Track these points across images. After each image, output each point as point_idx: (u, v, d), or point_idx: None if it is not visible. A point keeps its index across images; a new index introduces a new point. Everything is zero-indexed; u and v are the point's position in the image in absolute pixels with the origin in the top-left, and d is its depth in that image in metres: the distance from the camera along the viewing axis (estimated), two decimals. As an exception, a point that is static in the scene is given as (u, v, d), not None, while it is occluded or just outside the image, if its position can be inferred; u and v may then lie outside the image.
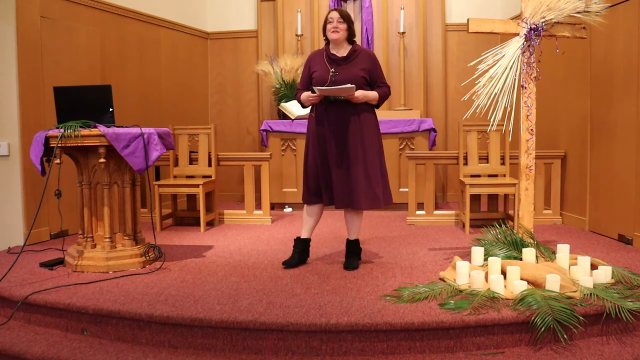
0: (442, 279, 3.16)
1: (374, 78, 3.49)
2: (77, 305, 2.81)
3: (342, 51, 3.48)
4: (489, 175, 4.91)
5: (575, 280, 2.93)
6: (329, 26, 3.44)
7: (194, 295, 2.93)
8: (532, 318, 2.54)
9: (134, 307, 2.74)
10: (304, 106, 3.60)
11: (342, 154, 3.41)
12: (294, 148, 5.89)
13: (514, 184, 4.50)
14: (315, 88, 3.35)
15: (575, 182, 4.81)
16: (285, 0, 6.55)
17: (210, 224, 5.16)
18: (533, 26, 3.38)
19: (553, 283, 2.79)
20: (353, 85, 3.28)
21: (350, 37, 3.50)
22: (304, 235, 3.63)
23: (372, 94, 3.45)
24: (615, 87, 4.15)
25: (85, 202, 3.57)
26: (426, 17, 6.41)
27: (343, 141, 3.41)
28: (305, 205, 3.61)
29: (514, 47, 3.40)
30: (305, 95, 3.48)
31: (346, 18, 3.45)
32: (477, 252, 3.35)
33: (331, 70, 3.41)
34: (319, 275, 3.34)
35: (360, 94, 3.36)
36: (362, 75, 3.42)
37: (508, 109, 3.35)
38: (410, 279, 3.19)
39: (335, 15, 3.44)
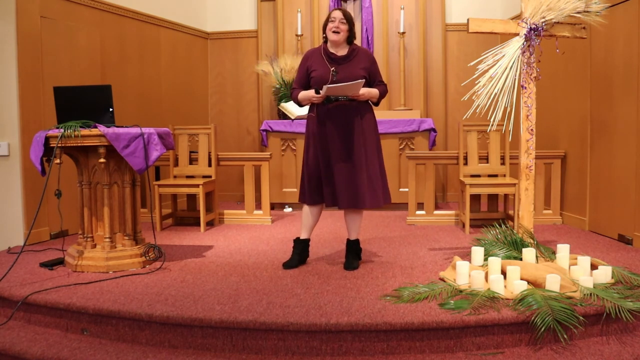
0: (442, 279, 3.16)
1: (372, 77, 3.49)
2: (77, 305, 2.81)
3: (342, 51, 3.47)
4: (489, 175, 4.91)
5: (575, 280, 2.93)
6: (330, 25, 3.41)
7: (194, 295, 2.93)
8: (532, 318, 2.54)
9: (134, 307, 2.74)
10: (300, 105, 3.56)
11: (345, 153, 3.40)
12: (294, 148, 5.89)
13: (514, 184, 4.50)
14: (325, 86, 3.26)
15: (575, 182, 4.80)
16: (285, 0, 6.55)
17: (210, 224, 5.16)
18: (533, 26, 3.38)
19: (553, 283, 2.79)
20: (362, 80, 3.28)
21: (350, 39, 3.48)
22: (303, 236, 3.63)
23: (374, 92, 3.46)
24: (615, 87, 4.15)
25: (85, 202, 3.57)
26: (426, 17, 6.41)
27: (346, 141, 3.40)
28: (304, 205, 3.61)
29: (514, 47, 3.40)
30: (306, 94, 3.43)
31: (349, 19, 3.43)
32: (477, 252, 3.35)
33: (332, 69, 3.41)
34: (319, 275, 3.34)
35: (365, 91, 3.37)
36: (363, 75, 3.41)
37: (508, 109, 3.35)
38: (410, 279, 3.19)
39: (338, 15, 3.40)
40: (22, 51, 4.26)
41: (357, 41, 6.35)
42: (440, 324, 2.53)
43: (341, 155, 3.40)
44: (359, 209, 3.53)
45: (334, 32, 3.40)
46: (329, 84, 3.32)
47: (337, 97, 3.37)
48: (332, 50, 3.47)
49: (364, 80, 3.29)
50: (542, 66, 3.55)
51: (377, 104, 3.56)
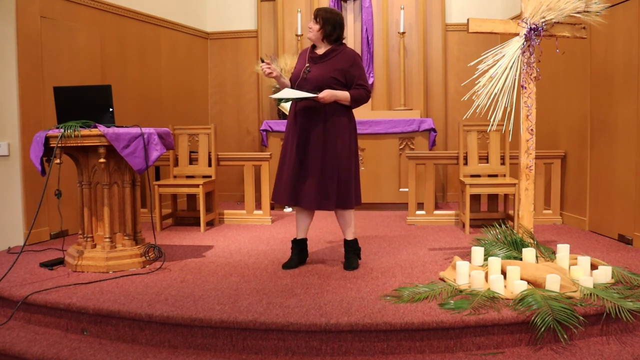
0: (442, 279, 3.16)
1: (349, 79, 3.42)
2: (77, 305, 2.81)
3: (321, 50, 3.51)
4: (489, 175, 4.91)
5: (575, 280, 2.93)
6: None
7: (194, 295, 2.93)
8: (532, 318, 2.54)
9: (134, 307, 2.74)
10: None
11: (302, 151, 3.42)
12: (294, 148, 5.89)
13: (514, 184, 4.50)
14: (272, 96, 3.61)
15: (575, 182, 4.80)
16: (285, 0, 6.56)
17: (210, 224, 5.16)
18: (533, 26, 3.38)
19: (553, 283, 2.79)
20: (314, 95, 3.29)
21: (327, 37, 3.46)
22: (299, 236, 3.62)
23: (342, 95, 3.39)
24: (615, 87, 4.15)
25: (85, 202, 3.57)
26: (426, 17, 6.41)
27: (305, 139, 3.42)
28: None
29: (514, 47, 3.40)
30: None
31: (320, 18, 3.43)
32: (477, 252, 3.35)
33: (306, 65, 3.47)
34: (319, 275, 3.34)
35: (327, 94, 3.33)
36: (332, 76, 3.38)
37: (508, 109, 3.35)
38: (410, 279, 3.19)
39: (313, 15, 3.49)
40: (22, 51, 4.26)
41: (356, 41, 6.44)
42: (440, 324, 2.53)
43: (298, 153, 3.42)
44: (345, 209, 3.51)
45: (307, 31, 3.54)
46: (299, 81, 3.45)
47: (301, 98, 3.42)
48: (315, 49, 3.54)
49: (315, 95, 3.29)
50: (542, 66, 3.55)
51: (351, 107, 3.49)
